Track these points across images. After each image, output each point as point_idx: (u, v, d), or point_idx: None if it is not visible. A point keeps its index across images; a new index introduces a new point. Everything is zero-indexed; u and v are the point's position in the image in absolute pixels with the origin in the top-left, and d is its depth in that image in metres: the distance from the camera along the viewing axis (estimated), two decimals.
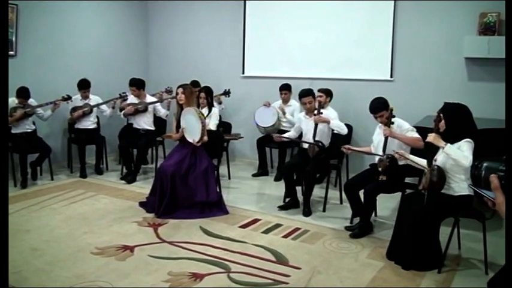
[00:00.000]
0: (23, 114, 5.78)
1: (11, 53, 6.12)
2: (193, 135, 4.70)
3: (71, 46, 7.00)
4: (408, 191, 4.25)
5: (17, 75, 5.98)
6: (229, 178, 6.44)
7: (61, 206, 5.09)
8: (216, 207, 4.83)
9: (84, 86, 6.30)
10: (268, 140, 6.27)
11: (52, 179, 6.14)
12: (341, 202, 5.31)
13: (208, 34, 7.66)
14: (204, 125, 4.58)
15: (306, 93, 4.99)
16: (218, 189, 5.00)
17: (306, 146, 5.04)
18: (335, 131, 4.95)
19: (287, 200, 5.17)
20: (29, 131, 5.98)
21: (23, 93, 5.67)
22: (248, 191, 5.86)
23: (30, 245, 4.01)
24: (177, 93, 4.77)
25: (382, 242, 4.09)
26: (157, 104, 6.41)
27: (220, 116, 6.16)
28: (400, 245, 3.65)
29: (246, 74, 7.41)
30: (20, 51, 6.29)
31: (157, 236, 4.28)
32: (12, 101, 5.76)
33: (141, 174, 6.51)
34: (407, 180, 4.38)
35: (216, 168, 5.07)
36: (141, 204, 5.08)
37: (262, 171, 6.65)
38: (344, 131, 4.86)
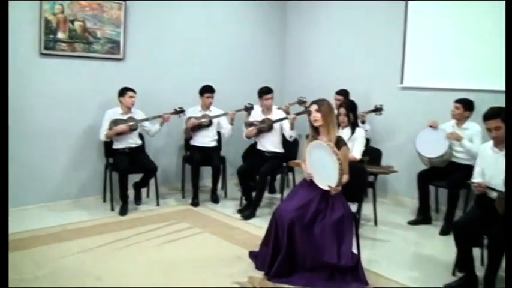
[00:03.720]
0: (126, 128, 5.35)
1: (118, 56, 5.75)
2: (326, 180, 3.68)
3: (190, 49, 6.42)
4: None
5: (124, 82, 5.61)
6: (376, 224, 5.16)
7: (153, 245, 4.35)
8: (350, 274, 3.62)
9: (207, 90, 5.81)
10: (434, 175, 5.03)
11: (158, 205, 5.63)
12: None
13: (359, 36, 6.57)
14: (342, 166, 3.56)
15: (492, 115, 3.57)
16: (356, 248, 3.78)
17: (493, 195, 3.48)
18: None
19: (460, 275, 3.67)
20: (134, 146, 5.52)
21: (127, 89, 5.37)
22: (400, 248, 4.52)
23: None
24: (309, 113, 3.84)
25: None
26: (285, 121, 5.45)
27: (367, 140, 5.05)
28: None
29: (405, 85, 6.04)
30: (128, 55, 5.87)
31: None
32: (113, 112, 5.42)
33: (265, 207, 5.62)
34: None
35: (355, 218, 3.86)
36: (252, 255, 4.09)
37: (422, 217, 5.22)
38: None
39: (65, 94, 5.46)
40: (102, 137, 5.34)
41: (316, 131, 3.88)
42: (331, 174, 3.63)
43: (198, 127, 5.84)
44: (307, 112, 3.90)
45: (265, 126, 5.54)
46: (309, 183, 3.86)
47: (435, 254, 4.36)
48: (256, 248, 4.08)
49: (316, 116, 3.81)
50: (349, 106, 5.01)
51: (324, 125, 3.80)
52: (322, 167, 3.71)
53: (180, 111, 5.70)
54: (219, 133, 6.05)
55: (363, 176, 4.09)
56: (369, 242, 4.63)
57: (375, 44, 6.42)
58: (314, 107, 3.84)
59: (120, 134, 5.36)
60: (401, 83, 6.12)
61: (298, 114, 5.35)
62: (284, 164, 5.62)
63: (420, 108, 5.84)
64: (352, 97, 5.75)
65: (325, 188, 3.69)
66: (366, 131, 5.58)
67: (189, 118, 5.86)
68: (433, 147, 4.99)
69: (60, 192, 5.55)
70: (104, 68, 5.69)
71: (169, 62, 6.31)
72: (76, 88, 5.53)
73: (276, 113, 5.64)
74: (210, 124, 5.86)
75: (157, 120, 5.56)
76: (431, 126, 5.14)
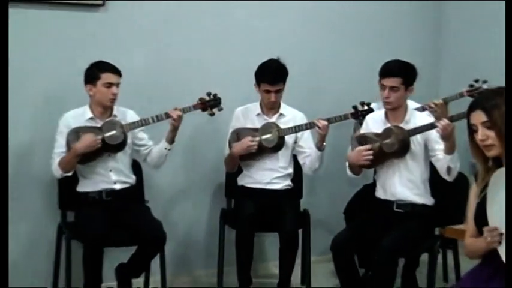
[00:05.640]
0: (96, 143, 4.98)
1: (96, 0, 5.63)
2: None
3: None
4: None
5: (102, 52, 5.40)
6: None
7: None
8: None
9: (267, 76, 5.54)
10: None
11: None
12: None
13: None
14: None
15: None
16: None
17: None
18: None
19: None
20: (118, 187, 5.19)
21: (103, 68, 5.14)
22: None
23: None
24: (471, 128, 3.54)
25: None
26: (434, 133, 4.99)
27: None
28: None
29: None
30: None
31: None
32: (76, 115, 5.21)
33: None
34: None
35: None
36: None
37: None
38: None
39: None
40: (56, 167, 5.01)
41: (492, 162, 3.47)
42: None
43: (255, 152, 5.54)
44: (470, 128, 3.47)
45: (393, 144, 4.97)
46: (489, 274, 3.46)
47: None
48: None
49: (487, 135, 3.35)
50: None
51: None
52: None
53: (212, 103, 5.44)
54: (296, 161, 5.78)
55: None
56: None
57: None
58: (479, 116, 3.37)
59: (88, 158, 5.04)
60: None
61: (454, 119, 4.77)
62: (436, 232, 5.24)
63: None
64: None
65: None
66: None
67: (236, 132, 5.64)
68: None
69: None
70: (61, 24, 5.48)
71: (203, 13, 6.11)
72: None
73: (417, 118, 5.16)
74: (279, 146, 5.52)
75: (163, 128, 5.40)
76: None
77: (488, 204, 3.40)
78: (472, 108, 3.43)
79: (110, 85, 5.00)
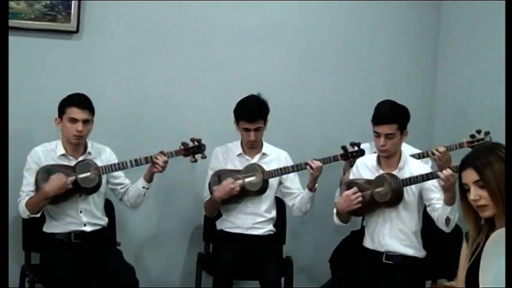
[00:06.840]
0: (66, 185, 4.80)
1: (67, 27, 5.58)
2: None
3: (233, 27, 6.17)
4: None
5: (76, 83, 5.35)
6: None
7: None
8: None
9: (245, 113, 5.46)
10: None
11: None
12: None
13: None
14: None
15: None
16: None
17: None
18: None
19: None
20: (89, 230, 5.02)
21: (72, 101, 5.02)
22: None
23: None
24: (462, 188, 3.56)
25: None
26: (433, 184, 4.96)
27: None
28: None
29: None
30: (88, 25, 5.67)
31: None
32: (46, 152, 5.02)
33: None
34: None
35: None
36: None
37: None
38: None
39: None
40: (23, 208, 4.87)
41: (484, 222, 3.39)
42: None
43: (237, 195, 5.39)
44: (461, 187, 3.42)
45: (386, 194, 4.92)
46: None
47: None
48: None
49: (480, 195, 3.26)
50: None
51: (499, 212, 3.26)
52: None
53: (195, 149, 5.29)
54: (278, 204, 5.60)
55: None
56: None
57: None
58: (470, 175, 3.28)
59: (58, 198, 4.85)
60: None
61: (455, 169, 4.68)
62: (427, 286, 5.22)
63: None
64: None
65: None
66: None
67: (218, 174, 5.49)
68: None
69: None
70: (34, 52, 5.44)
71: (181, 47, 6.02)
72: None
73: (410, 165, 5.06)
74: (263, 189, 5.40)
75: (142, 171, 5.22)
76: None
77: (481, 276, 3.18)
78: (463, 166, 3.34)
79: (74, 121, 4.89)
